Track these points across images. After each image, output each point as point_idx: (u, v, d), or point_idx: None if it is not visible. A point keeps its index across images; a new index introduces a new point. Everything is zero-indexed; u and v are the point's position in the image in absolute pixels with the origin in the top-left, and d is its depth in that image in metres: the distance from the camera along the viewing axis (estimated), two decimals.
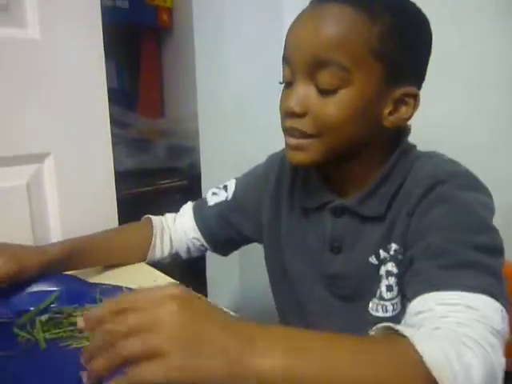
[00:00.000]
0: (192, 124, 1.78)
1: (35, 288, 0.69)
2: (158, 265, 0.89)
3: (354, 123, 0.61)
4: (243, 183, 0.86)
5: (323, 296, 0.72)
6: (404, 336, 0.42)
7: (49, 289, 0.68)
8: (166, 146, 1.88)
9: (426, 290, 0.51)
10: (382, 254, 0.65)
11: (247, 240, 0.88)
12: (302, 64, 0.61)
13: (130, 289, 0.66)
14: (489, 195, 0.61)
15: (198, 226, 0.87)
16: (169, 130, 1.97)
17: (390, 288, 0.64)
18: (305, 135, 0.62)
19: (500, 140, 1.24)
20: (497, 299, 0.49)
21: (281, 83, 0.67)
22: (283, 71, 0.65)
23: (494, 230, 0.57)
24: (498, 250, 0.56)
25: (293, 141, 0.64)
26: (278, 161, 0.82)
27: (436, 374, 0.39)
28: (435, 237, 0.56)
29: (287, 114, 0.63)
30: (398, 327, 0.44)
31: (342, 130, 0.61)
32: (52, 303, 0.66)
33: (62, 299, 0.67)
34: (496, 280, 0.51)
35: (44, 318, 0.63)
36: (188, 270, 0.85)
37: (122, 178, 1.18)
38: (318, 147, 0.63)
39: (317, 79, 0.60)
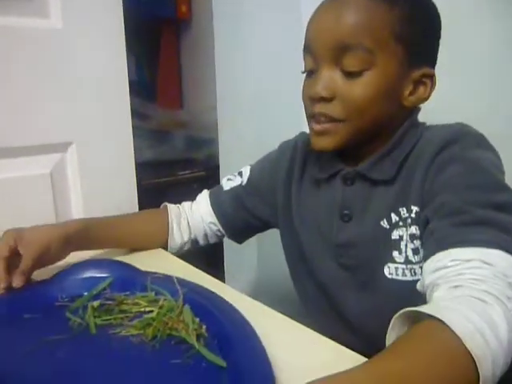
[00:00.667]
0: (210, 116, 1.79)
1: (88, 274, 0.70)
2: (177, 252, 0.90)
3: (378, 104, 0.63)
4: (258, 168, 0.88)
5: (329, 267, 0.73)
6: (431, 317, 0.42)
7: (101, 275, 0.70)
8: (184, 138, 1.89)
9: (441, 248, 0.52)
10: (394, 217, 0.66)
11: (262, 223, 0.88)
12: (326, 50, 0.63)
13: (181, 279, 0.67)
14: (498, 157, 0.62)
15: (213, 210, 0.88)
16: (187, 121, 1.99)
17: (416, 251, 0.64)
18: (332, 120, 0.64)
19: None
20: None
21: (303, 73, 0.69)
22: (305, 60, 0.67)
23: (508, 189, 0.57)
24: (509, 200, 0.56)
25: (318, 126, 0.66)
26: (290, 147, 0.83)
27: (469, 345, 0.40)
28: (449, 195, 0.57)
29: (314, 99, 0.64)
30: (423, 310, 0.44)
31: (367, 112, 0.63)
32: (104, 289, 0.67)
33: (114, 286, 0.68)
34: (510, 236, 0.51)
35: (96, 303, 0.64)
36: (206, 257, 0.86)
37: (142, 168, 1.20)
38: (344, 131, 0.65)
39: (342, 63, 0.62)
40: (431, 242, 0.55)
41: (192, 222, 0.90)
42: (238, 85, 1.42)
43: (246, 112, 1.40)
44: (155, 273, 0.70)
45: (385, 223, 0.67)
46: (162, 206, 0.93)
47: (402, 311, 0.47)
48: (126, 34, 1.08)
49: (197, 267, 0.81)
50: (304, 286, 0.82)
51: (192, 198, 0.95)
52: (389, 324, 0.65)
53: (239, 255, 1.50)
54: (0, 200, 0.95)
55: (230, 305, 0.60)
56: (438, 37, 0.67)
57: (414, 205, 0.64)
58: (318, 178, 0.75)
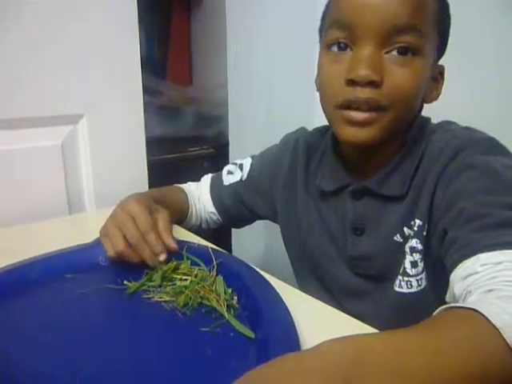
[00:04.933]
0: (220, 93, 1.79)
1: None
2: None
3: (419, 95, 0.60)
4: (258, 164, 0.87)
5: (347, 276, 0.72)
6: (470, 309, 0.39)
7: None
8: (194, 114, 1.89)
9: (466, 255, 0.50)
10: (407, 231, 0.65)
11: (260, 217, 0.90)
12: (376, 29, 0.56)
13: (215, 250, 0.68)
14: (507, 155, 0.60)
15: (214, 203, 0.90)
16: (197, 98, 1.98)
17: (414, 264, 0.64)
18: (377, 108, 0.58)
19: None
20: None
21: (328, 46, 0.61)
22: (331, 33, 0.60)
23: None
24: None
25: (359, 115, 0.58)
26: (291, 143, 0.81)
27: (508, 336, 0.36)
28: (465, 203, 0.54)
29: (363, 81, 0.57)
30: (461, 304, 0.42)
31: (411, 102, 0.60)
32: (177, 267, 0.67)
33: None
34: None
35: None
36: (212, 238, 0.88)
37: (151, 144, 1.20)
38: (388, 121, 0.59)
39: (392, 45, 0.57)
40: (454, 251, 0.52)
41: (198, 209, 0.91)
42: (249, 62, 1.41)
43: (257, 89, 1.40)
44: (190, 242, 0.72)
45: (398, 238, 0.65)
46: (175, 187, 0.93)
47: (436, 312, 0.43)
48: (137, 10, 1.08)
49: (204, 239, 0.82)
50: (305, 282, 0.82)
51: (201, 175, 0.96)
52: (386, 327, 0.64)
53: (246, 245, 1.52)
54: (11, 170, 0.96)
55: (263, 278, 0.61)
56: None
57: (418, 218, 0.63)
58: (324, 190, 0.73)
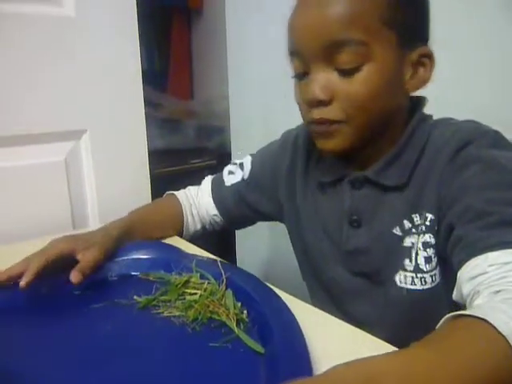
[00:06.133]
0: (221, 105, 1.80)
1: (136, 255, 0.74)
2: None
3: (382, 97, 0.60)
4: (259, 162, 0.86)
5: (343, 276, 0.71)
6: (477, 318, 0.39)
7: (149, 256, 0.74)
8: (195, 127, 1.90)
9: (474, 253, 0.50)
10: (407, 224, 0.63)
11: (264, 217, 0.89)
12: (317, 50, 0.58)
13: (225, 263, 0.68)
14: (510, 148, 0.59)
15: (216, 205, 0.89)
16: (198, 110, 1.99)
17: (428, 260, 0.62)
18: (334, 122, 0.60)
19: None
20: None
21: (293, 77, 0.65)
22: (292, 64, 0.63)
23: None
24: None
25: (321, 128, 0.62)
26: (291, 138, 0.81)
27: None
28: (472, 198, 0.54)
29: (313, 103, 0.60)
30: (468, 312, 0.41)
31: (371, 109, 0.60)
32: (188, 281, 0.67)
33: (161, 267, 0.71)
34: None
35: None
36: (217, 241, 0.88)
37: (153, 157, 1.21)
38: (349, 131, 0.61)
39: (336, 62, 0.58)
40: (461, 249, 0.52)
41: (200, 213, 0.91)
42: (249, 74, 1.42)
43: (258, 101, 1.40)
44: (199, 256, 0.73)
45: (397, 230, 0.64)
46: (167, 195, 0.93)
47: (444, 318, 0.43)
48: (137, 23, 1.09)
49: (207, 250, 0.82)
50: (310, 283, 0.81)
51: None
52: (393, 329, 0.63)
53: (250, 247, 1.51)
54: (15, 187, 0.97)
55: (273, 291, 0.61)
56: (428, 12, 0.63)
57: (429, 212, 0.62)
58: (323, 181, 0.72)
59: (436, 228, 0.62)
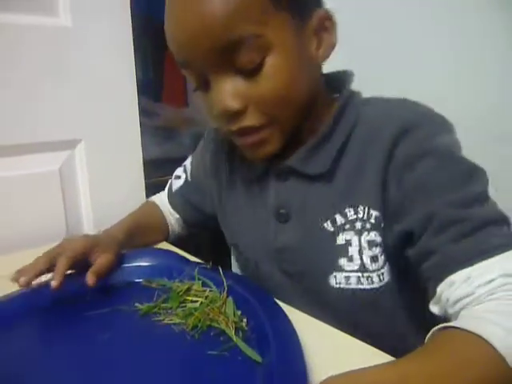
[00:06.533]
0: None
1: (139, 262, 0.74)
2: (177, 241, 0.93)
3: (298, 82, 0.53)
4: (194, 161, 0.85)
5: (273, 274, 0.67)
6: (467, 331, 0.39)
7: (151, 263, 0.74)
8: (190, 135, 1.90)
9: (452, 270, 0.47)
10: (339, 219, 0.58)
11: (211, 220, 0.82)
12: (209, 58, 0.51)
13: (226, 271, 0.68)
14: (455, 132, 0.55)
15: (174, 209, 0.89)
16: (193, 119, 1.99)
17: (375, 259, 0.57)
18: (258, 128, 0.54)
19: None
20: None
21: (194, 90, 0.57)
22: (188, 77, 0.56)
23: (479, 169, 0.52)
24: (487, 184, 0.51)
25: (247, 139, 0.56)
26: (211, 134, 0.78)
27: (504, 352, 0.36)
28: (433, 204, 0.50)
29: (226, 116, 0.53)
30: (457, 325, 0.40)
31: (292, 99, 0.53)
32: (189, 289, 0.67)
33: (164, 274, 0.71)
34: (505, 222, 0.49)
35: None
36: (212, 244, 0.88)
37: (148, 166, 1.21)
38: (278, 133, 0.56)
39: (235, 64, 0.51)
40: (435, 265, 0.49)
41: (173, 217, 0.91)
42: None
43: None
44: (201, 263, 0.73)
45: (329, 225, 0.59)
46: (145, 202, 0.94)
47: (433, 329, 0.42)
48: (132, 33, 1.09)
49: (202, 254, 0.82)
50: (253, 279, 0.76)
51: None
52: (344, 330, 0.58)
53: None
54: (9, 196, 0.96)
55: (274, 301, 0.61)
56: None
57: (373, 208, 0.56)
58: (248, 177, 0.68)
59: (382, 225, 0.57)
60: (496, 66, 0.95)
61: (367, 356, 0.52)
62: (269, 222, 0.65)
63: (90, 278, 0.62)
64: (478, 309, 0.44)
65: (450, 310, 0.48)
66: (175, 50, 0.54)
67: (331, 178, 0.58)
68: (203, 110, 0.59)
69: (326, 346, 0.54)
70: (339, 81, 0.62)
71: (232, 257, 1.58)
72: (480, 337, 0.37)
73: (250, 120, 0.54)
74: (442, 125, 0.54)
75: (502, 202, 0.51)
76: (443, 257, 0.49)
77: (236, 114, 0.53)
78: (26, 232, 0.98)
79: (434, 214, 0.50)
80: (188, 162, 0.87)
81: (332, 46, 0.56)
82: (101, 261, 0.67)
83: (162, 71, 2.29)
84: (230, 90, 0.52)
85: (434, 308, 0.51)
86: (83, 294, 0.66)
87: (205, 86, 0.55)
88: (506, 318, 0.40)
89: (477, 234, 0.47)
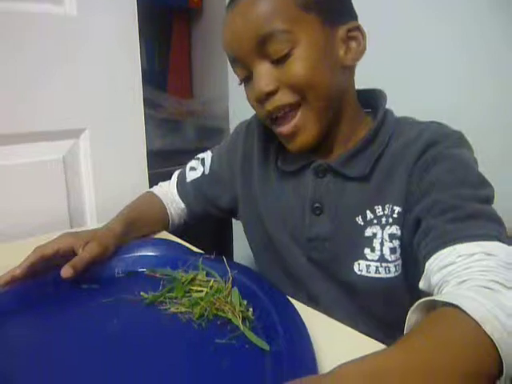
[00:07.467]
0: (220, 105, 1.79)
1: (144, 252, 0.75)
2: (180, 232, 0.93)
3: (321, 71, 0.63)
4: (217, 156, 0.88)
5: (301, 261, 0.73)
6: (452, 305, 0.42)
7: (156, 254, 0.75)
8: (194, 127, 1.89)
9: (442, 245, 0.53)
10: (369, 215, 0.66)
11: (223, 213, 0.90)
12: (250, 50, 0.63)
13: (231, 261, 0.69)
14: (473, 152, 0.64)
15: (182, 200, 0.91)
16: (198, 110, 1.98)
17: (393, 250, 0.65)
18: (290, 106, 0.64)
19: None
20: (503, 243, 0.52)
21: (240, 84, 0.70)
22: (236, 72, 0.68)
23: (488, 183, 0.60)
24: (493, 201, 0.59)
25: (286, 128, 0.65)
26: (243, 128, 0.83)
27: (488, 329, 0.39)
28: (440, 194, 0.58)
29: (261, 97, 0.64)
30: (439, 298, 0.44)
31: (316, 83, 0.63)
32: (193, 279, 0.68)
33: (168, 265, 0.71)
34: (500, 226, 0.55)
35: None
36: (213, 236, 0.88)
37: (152, 157, 1.21)
38: (310, 115, 0.64)
39: (268, 54, 0.62)
40: (430, 241, 0.56)
41: (175, 207, 0.92)
42: None
43: None
44: (205, 254, 0.73)
45: (360, 220, 0.67)
46: (145, 193, 0.95)
47: (416, 304, 0.45)
48: (138, 23, 1.09)
49: (204, 245, 0.82)
50: (270, 273, 0.80)
51: None
52: (361, 314, 0.67)
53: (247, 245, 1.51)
54: (13, 185, 0.96)
55: (278, 290, 0.61)
56: None
57: (396, 205, 0.64)
58: (286, 170, 0.74)
59: (403, 220, 0.64)
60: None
61: (371, 348, 0.52)
62: (303, 214, 0.72)
63: (64, 271, 0.64)
64: (456, 288, 0.48)
65: (433, 280, 0.52)
66: (228, 49, 0.66)
67: (365, 180, 0.67)
68: (248, 101, 0.70)
69: (331, 336, 0.55)
70: (371, 98, 0.71)
71: (233, 248, 1.59)
72: (461, 309, 0.41)
73: (282, 98, 0.64)
74: (460, 140, 0.64)
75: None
76: (438, 234, 0.55)
77: (269, 95, 0.64)
78: (29, 220, 0.98)
79: (439, 201, 0.57)
80: (207, 156, 0.89)
81: (361, 53, 0.66)
82: (81, 254, 0.68)
83: (167, 62, 2.29)
84: (263, 75, 0.63)
85: (421, 283, 0.56)
86: (87, 285, 0.67)
87: (247, 79, 0.67)
88: (482, 296, 0.44)
89: (471, 221, 0.54)
